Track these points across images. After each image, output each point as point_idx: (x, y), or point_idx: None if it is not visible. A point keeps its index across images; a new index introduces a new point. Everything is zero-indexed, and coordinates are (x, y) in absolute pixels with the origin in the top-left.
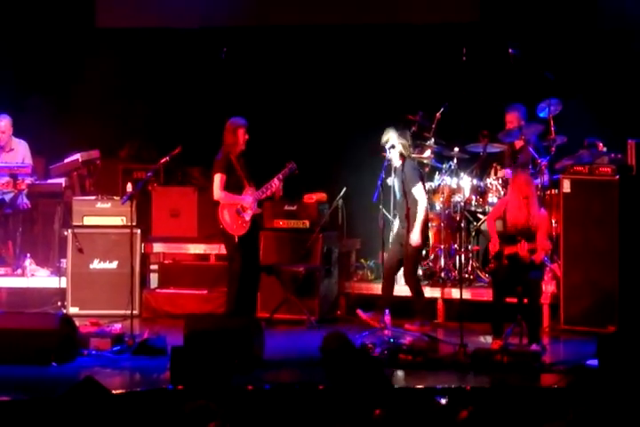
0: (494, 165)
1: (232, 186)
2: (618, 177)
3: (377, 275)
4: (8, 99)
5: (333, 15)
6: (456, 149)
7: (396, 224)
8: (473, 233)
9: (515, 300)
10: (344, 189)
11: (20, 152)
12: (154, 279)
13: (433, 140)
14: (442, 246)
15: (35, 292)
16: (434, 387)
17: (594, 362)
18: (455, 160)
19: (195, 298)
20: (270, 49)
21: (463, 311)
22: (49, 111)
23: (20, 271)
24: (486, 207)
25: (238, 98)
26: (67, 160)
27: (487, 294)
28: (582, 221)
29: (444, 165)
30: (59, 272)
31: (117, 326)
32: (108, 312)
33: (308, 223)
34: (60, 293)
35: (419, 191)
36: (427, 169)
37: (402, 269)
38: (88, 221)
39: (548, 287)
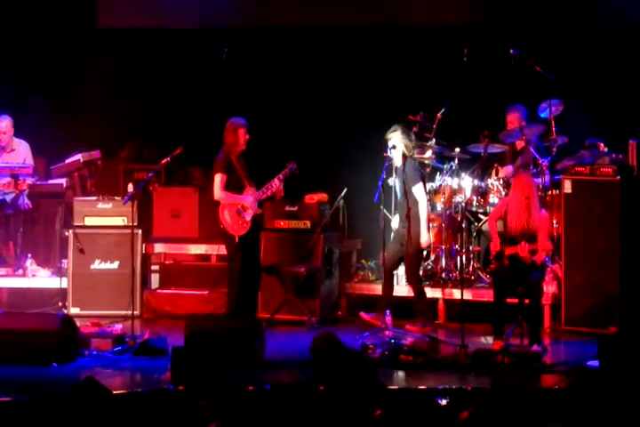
0: (495, 165)
1: (232, 186)
2: (619, 177)
3: (378, 275)
4: (9, 99)
5: (334, 16)
6: (457, 150)
7: (395, 221)
8: (474, 234)
9: (516, 300)
10: (345, 190)
11: (21, 153)
12: (155, 280)
13: (434, 140)
14: (443, 247)
15: (36, 292)
16: (435, 388)
17: (595, 363)
18: (456, 161)
19: (196, 298)
20: (271, 49)
21: (464, 312)
22: (50, 111)
23: (20, 272)
24: (487, 208)
25: (239, 98)
26: (68, 161)
27: (488, 295)
28: (583, 221)
29: (445, 166)
30: (60, 273)
31: (118, 327)
32: (109, 313)
33: (308, 224)
34: (61, 293)
35: (419, 191)
36: (428, 169)
37: (401, 267)
38: (89, 221)
39: (549, 288)
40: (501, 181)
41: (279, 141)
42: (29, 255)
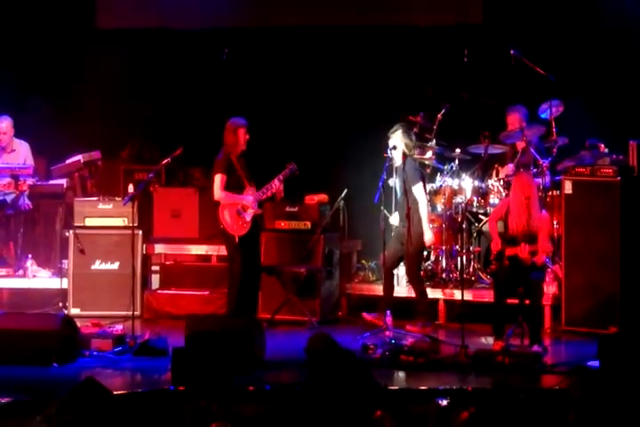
0: (496, 166)
1: (232, 186)
2: (619, 178)
3: (378, 276)
4: (9, 99)
5: (334, 16)
6: (457, 151)
7: (394, 218)
8: (474, 234)
9: (516, 301)
10: (345, 191)
11: (22, 153)
12: (155, 280)
13: (434, 141)
14: (443, 247)
15: (36, 293)
16: (435, 388)
17: (595, 363)
18: (457, 161)
19: (196, 299)
20: (271, 50)
21: (464, 312)
22: (50, 112)
23: (21, 272)
24: (488, 208)
25: (239, 98)
26: (68, 161)
27: (488, 296)
28: (584, 222)
29: (445, 167)
30: (60, 273)
31: (119, 327)
32: (110, 313)
33: (309, 224)
34: (62, 293)
35: (419, 190)
36: (428, 170)
37: (401, 267)
38: (89, 222)
39: (550, 288)
40: (502, 182)
41: (279, 142)
42: (30, 256)
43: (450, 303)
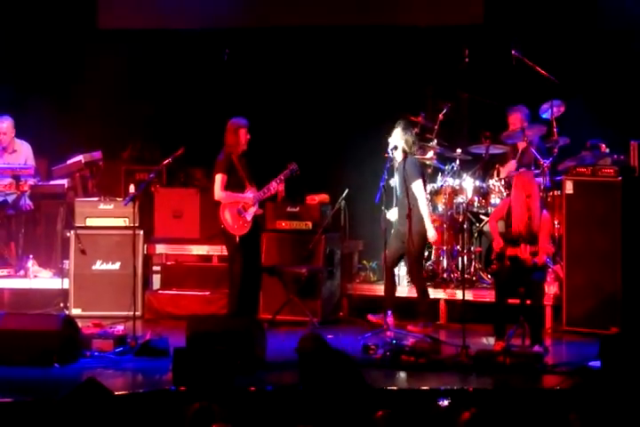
0: (497, 166)
1: (233, 186)
2: (620, 178)
3: (379, 276)
4: (10, 100)
5: (334, 16)
6: (458, 151)
7: (392, 213)
8: (475, 234)
9: (517, 301)
10: (346, 191)
11: (23, 153)
12: (156, 280)
13: (435, 141)
14: (444, 248)
15: (37, 293)
16: (436, 388)
17: (596, 363)
18: (458, 161)
19: (197, 299)
20: (271, 50)
21: (465, 313)
22: (51, 112)
23: (22, 272)
24: (489, 208)
25: (240, 98)
26: (69, 161)
27: (489, 296)
28: (585, 222)
29: (446, 167)
30: (61, 273)
31: (120, 328)
32: (111, 313)
33: (310, 225)
34: (63, 294)
35: (418, 187)
36: (429, 170)
37: (402, 267)
38: (91, 222)
39: (551, 289)
40: (503, 182)
41: (280, 142)
42: (31, 256)
43: (451, 303)
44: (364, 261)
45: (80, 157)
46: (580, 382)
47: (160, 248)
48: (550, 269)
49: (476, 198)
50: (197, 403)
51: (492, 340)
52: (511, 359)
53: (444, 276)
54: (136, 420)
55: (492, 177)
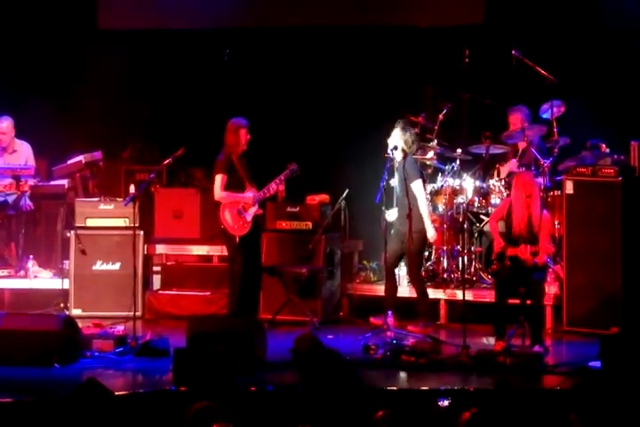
0: (497, 166)
1: (233, 186)
2: (621, 178)
3: (379, 276)
4: (10, 100)
5: (334, 17)
6: (459, 151)
7: (391, 214)
8: (475, 234)
9: (517, 301)
10: (346, 191)
11: (23, 154)
12: (156, 281)
13: (435, 141)
14: (444, 248)
15: (37, 293)
16: (437, 388)
17: (597, 364)
18: (458, 161)
19: (197, 299)
20: (271, 50)
21: (466, 313)
22: (51, 112)
23: (22, 273)
24: (489, 208)
25: (240, 99)
26: (69, 162)
27: (490, 296)
28: (585, 222)
29: (446, 167)
30: (61, 274)
31: (120, 328)
32: (111, 314)
33: (310, 225)
34: (63, 294)
35: (417, 187)
36: (429, 170)
37: (402, 268)
38: (91, 222)
39: (551, 289)
40: (503, 182)
41: (280, 142)
42: (31, 256)
43: (451, 304)
44: (365, 261)
45: (80, 158)
46: (580, 382)
47: (160, 248)
48: (551, 270)
49: (476, 198)
50: (198, 403)
51: (492, 340)
52: (511, 359)
53: (445, 276)
54: (136, 420)
55: (492, 177)
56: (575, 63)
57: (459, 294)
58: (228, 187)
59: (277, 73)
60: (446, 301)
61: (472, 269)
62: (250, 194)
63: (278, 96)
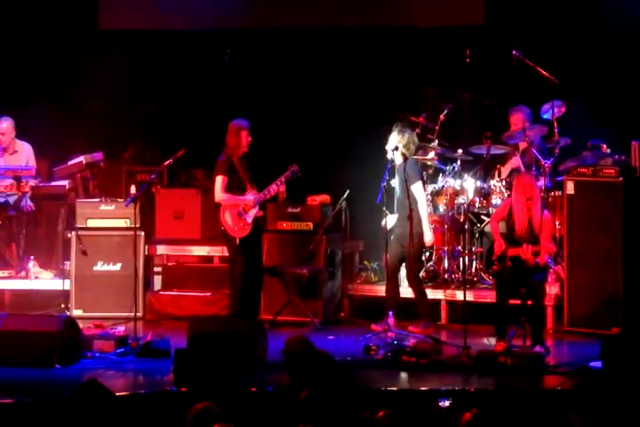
0: (498, 166)
1: (234, 188)
2: (622, 179)
3: (380, 277)
4: (11, 100)
5: (335, 17)
6: (460, 151)
7: (390, 220)
8: (476, 235)
9: (518, 302)
10: (347, 191)
11: (24, 154)
12: (157, 281)
13: (436, 141)
14: (445, 248)
15: (38, 294)
16: (437, 389)
17: (597, 364)
18: (459, 162)
19: (198, 300)
20: (272, 51)
21: (467, 313)
22: (52, 113)
23: (23, 273)
24: (490, 209)
25: (241, 99)
26: (70, 162)
27: (491, 296)
28: (586, 222)
29: (447, 167)
30: (62, 274)
31: (121, 329)
32: (112, 314)
33: (311, 225)
34: (64, 295)
35: (418, 189)
36: (430, 171)
37: (402, 269)
38: (92, 223)
39: (552, 289)
40: (504, 183)
41: (281, 143)
42: (32, 257)
43: (452, 304)
44: (365, 262)
45: (81, 158)
46: (581, 382)
47: (161, 249)
48: (551, 270)
49: (477, 199)
50: (199, 404)
51: (493, 340)
52: (512, 360)
53: (445, 276)
54: (137, 421)
55: (493, 177)
56: (576, 63)
57: (459, 295)
58: (228, 188)
59: (278, 73)
60: (447, 301)
61: (473, 270)
62: (250, 196)
63: (279, 96)
